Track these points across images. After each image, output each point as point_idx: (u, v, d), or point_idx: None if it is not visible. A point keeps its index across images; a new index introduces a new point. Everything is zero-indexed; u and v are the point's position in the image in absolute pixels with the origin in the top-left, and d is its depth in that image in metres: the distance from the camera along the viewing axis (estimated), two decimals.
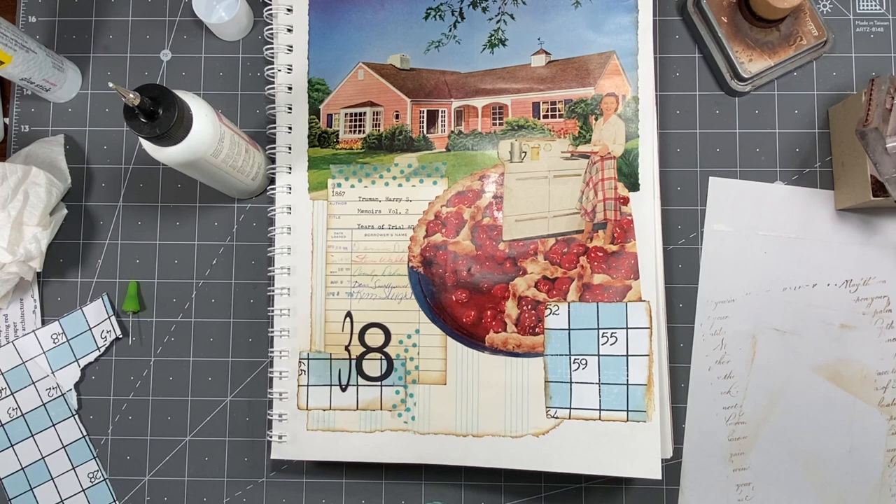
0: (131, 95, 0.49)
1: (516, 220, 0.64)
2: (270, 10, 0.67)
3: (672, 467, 0.65)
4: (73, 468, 0.67)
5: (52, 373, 0.67)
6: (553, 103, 0.65)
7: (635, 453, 0.61)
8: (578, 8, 0.65)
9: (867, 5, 0.68)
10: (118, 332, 0.67)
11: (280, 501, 0.66)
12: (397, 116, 0.66)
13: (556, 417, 0.62)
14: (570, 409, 0.62)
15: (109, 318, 0.67)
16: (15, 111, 0.69)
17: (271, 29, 0.67)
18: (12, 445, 0.66)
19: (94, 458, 0.67)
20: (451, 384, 0.63)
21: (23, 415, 0.67)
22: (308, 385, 0.64)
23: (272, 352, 0.65)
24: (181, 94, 0.53)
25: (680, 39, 0.68)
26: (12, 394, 0.66)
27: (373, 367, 0.64)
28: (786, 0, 0.61)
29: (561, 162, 0.64)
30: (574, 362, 0.62)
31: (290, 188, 0.66)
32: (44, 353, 0.67)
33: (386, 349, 0.64)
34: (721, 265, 0.66)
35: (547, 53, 0.65)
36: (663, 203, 0.66)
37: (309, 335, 0.64)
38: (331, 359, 0.64)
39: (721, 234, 0.66)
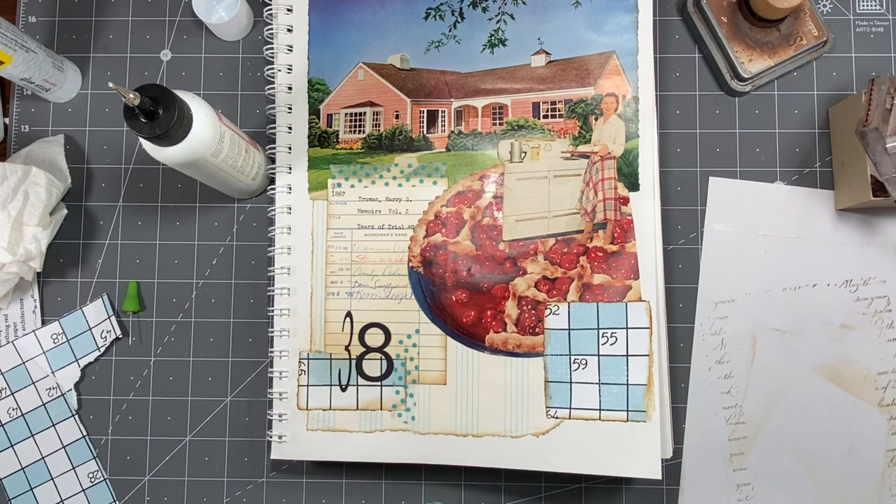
0: (131, 95, 0.49)
1: (516, 220, 0.64)
2: (270, 10, 0.67)
3: (672, 467, 0.65)
4: (73, 468, 0.67)
5: (52, 373, 0.67)
6: (553, 103, 0.65)
7: (635, 453, 0.61)
8: (578, 8, 0.65)
9: (867, 5, 0.68)
10: (118, 332, 0.67)
11: (280, 501, 0.66)
12: (397, 116, 0.66)
13: (556, 417, 0.62)
14: (570, 409, 0.62)
15: (109, 318, 0.67)
16: (15, 111, 0.69)
17: (271, 29, 0.67)
18: (12, 445, 0.66)
19: (94, 458, 0.67)
20: (451, 384, 0.63)
21: (23, 415, 0.67)
22: (308, 385, 0.64)
23: (272, 352, 0.65)
24: (181, 94, 0.53)
25: (680, 39, 0.68)
26: (12, 394, 0.66)
27: (373, 367, 0.64)
28: (786, 0, 0.61)
29: (561, 162, 0.64)
30: (574, 362, 0.62)
31: (290, 188, 0.66)
32: (44, 353, 0.67)
33: (386, 349, 0.64)
34: (721, 265, 0.66)
35: (547, 53, 0.65)
36: (663, 203, 0.66)
37: (309, 335, 0.64)
38: (331, 359, 0.64)
39: (721, 234, 0.66)
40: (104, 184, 0.69)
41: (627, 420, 0.61)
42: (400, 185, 0.65)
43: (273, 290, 0.65)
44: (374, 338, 0.64)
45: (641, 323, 0.62)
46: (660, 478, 0.60)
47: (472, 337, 0.63)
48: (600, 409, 0.61)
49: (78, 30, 0.70)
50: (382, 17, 0.66)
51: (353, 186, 0.65)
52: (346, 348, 0.64)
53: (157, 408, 0.67)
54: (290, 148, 0.66)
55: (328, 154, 0.66)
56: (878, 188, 0.60)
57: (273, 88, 0.66)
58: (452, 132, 0.65)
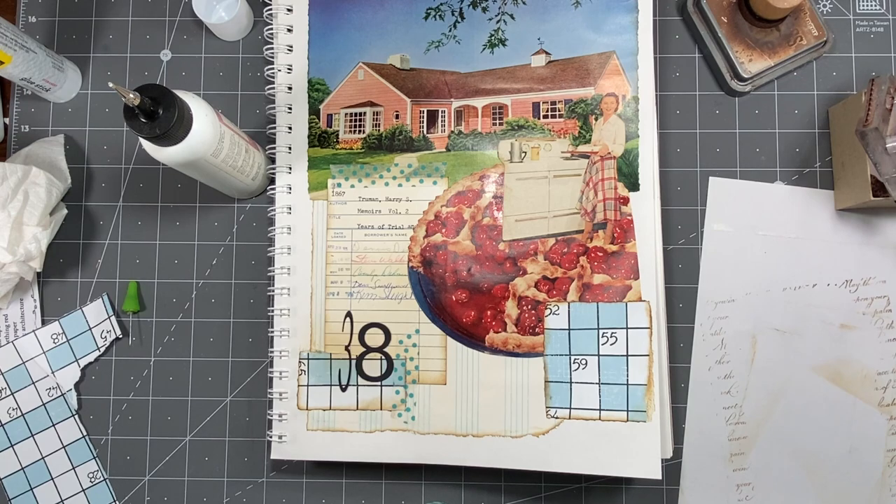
0: (131, 95, 0.49)
1: (516, 220, 0.64)
2: (270, 10, 0.67)
3: (672, 467, 0.65)
4: (73, 468, 0.67)
5: (52, 373, 0.67)
6: (553, 103, 0.65)
7: (635, 453, 0.61)
8: (578, 8, 0.65)
9: (867, 5, 0.68)
10: (118, 332, 0.67)
11: (280, 501, 0.66)
12: (397, 116, 0.66)
13: (556, 417, 0.62)
14: (570, 409, 0.62)
15: (109, 318, 0.67)
16: (15, 111, 0.69)
17: (271, 29, 0.67)
18: (12, 445, 0.66)
19: (94, 458, 0.67)
20: (451, 384, 0.63)
21: (23, 415, 0.67)
22: (308, 385, 0.64)
23: (272, 352, 0.65)
24: (181, 94, 0.53)
25: (680, 39, 0.68)
26: (12, 394, 0.66)
27: (373, 367, 0.64)
28: (786, 0, 0.61)
29: (561, 162, 0.64)
30: (574, 362, 0.62)
31: (290, 188, 0.66)
32: (44, 353, 0.67)
33: (386, 349, 0.64)
34: (721, 265, 0.66)
35: (547, 53, 0.65)
36: (663, 203, 0.66)
37: (309, 335, 0.64)
38: (331, 359, 0.64)
39: (721, 234, 0.66)
40: (104, 184, 0.69)
41: (627, 420, 0.61)
42: (400, 185, 0.65)
43: (273, 290, 0.65)
44: (374, 338, 0.64)
45: (641, 323, 0.62)
46: (660, 478, 0.60)
47: (472, 337, 0.63)
48: (600, 409, 0.61)
49: (78, 30, 0.70)
50: (382, 17, 0.66)
51: (353, 186, 0.65)
52: (346, 348, 0.64)
53: (157, 408, 0.67)
54: (290, 148, 0.66)
55: (328, 154, 0.66)
56: (878, 188, 0.60)
57: (273, 88, 0.66)
58: (452, 132, 0.65)
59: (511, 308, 0.63)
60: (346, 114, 0.66)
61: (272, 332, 0.65)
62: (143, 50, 0.70)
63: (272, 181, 0.66)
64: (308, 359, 0.64)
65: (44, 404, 0.67)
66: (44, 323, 0.67)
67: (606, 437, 0.61)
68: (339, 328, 0.64)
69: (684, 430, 0.65)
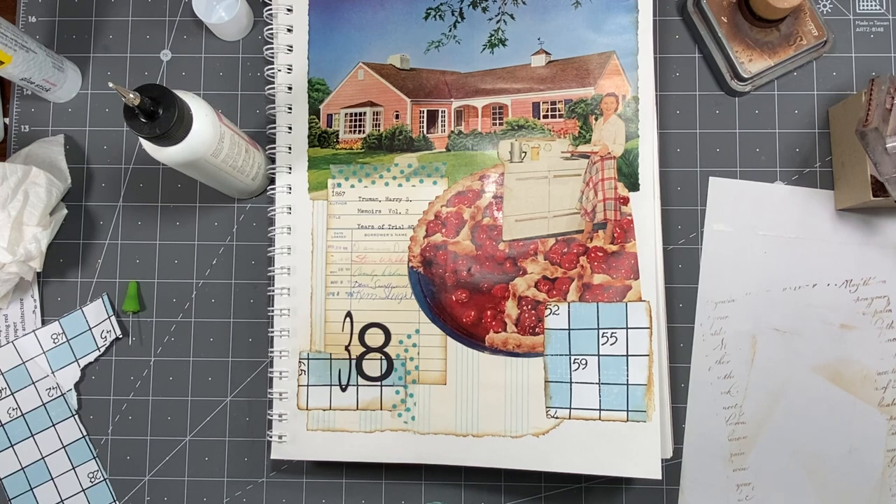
0: (131, 95, 0.49)
1: (516, 220, 0.64)
2: (270, 10, 0.67)
3: (672, 467, 0.65)
4: (73, 468, 0.67)
5: (52, 373, 0.67)
6: (553, 103, 0.65)
7: (635, 453, 0.61)
8: (578, 8, 0.65)
9: (867, 5, 0.68)
10: (118, 332, 0.67)
11: (280, 501, 0.66)
12: (397, 116, 0.66)
13: (556, 417, 0.62)
14: (570, 409, 0.62)
15: (109, 318, 0.67)
16: (15, 111, 0.69)
17: (271, 29, 0.67)
18: (12, 445, 0.66)
19: (94, 458, 0.67)
20: (451, 384, 0.63)
21: (23, 415, 0.67)
22: (308, 385, 0.64)
23: (272, 352, 0.65)
24: (181, 94, 0.53)
25: (680, 39, 0.68)
26: (12, 394, 0.66)
27: (373, 367, 0.64)
28: (786, 0, 0.61)
29: (561, 162, 0.64)
30: (574, 362, 0.62)
31: (290, 188, 0.66)
32: (44, 353, 0.67)
33: (386, 349, 0.64)
34: (721, 265, 0.66)
35: (547, 53, 0.65)
36: (663, 203, 0.66)
37: (309, 335, 0.64)
38: (331, 359, 0.64)
39: (721, 234, 0.66)
40: (104, 184, 0.69)
41: (627, 420, 0.61)
42: (400, 185, 0.65)
43: (273, 290, 0.65)
44: (374, 338, 0.64)
45: (641, 323, 0.62)
46: (660, 478, 0.60)
47: (472, 337, 0.63)
48: (600, 409, 0.61)
49: (78, 30, 0.70)
50: (382, 17, 0.66)
51: (353, 186, 0.65)
52: (346, 348, 0.64)
53: (157, 408, 0.67)
54: (290, 148, 0.66)
55: (328, 154, 0.66)
56: (878, 188, 0.60)
57: (273, 88, 0.66)
58: (452, 132, 0.65)
59: (511, 308, 0.63)
60: (346, 114, 0.66)
61: (272, 332, 0.65)
62: (143, 50, 0.70)
63: (272, 181, 0.66)
64: (308, 359, 0.64)
65: (44, 404, 0.67)
66: (44, 323, 0.67)
67: (606, 437, 0.61)
68: (339, 328, 0.64)
69: (684, 430, 0.65)
